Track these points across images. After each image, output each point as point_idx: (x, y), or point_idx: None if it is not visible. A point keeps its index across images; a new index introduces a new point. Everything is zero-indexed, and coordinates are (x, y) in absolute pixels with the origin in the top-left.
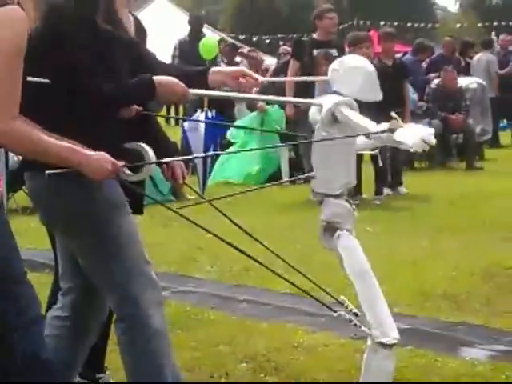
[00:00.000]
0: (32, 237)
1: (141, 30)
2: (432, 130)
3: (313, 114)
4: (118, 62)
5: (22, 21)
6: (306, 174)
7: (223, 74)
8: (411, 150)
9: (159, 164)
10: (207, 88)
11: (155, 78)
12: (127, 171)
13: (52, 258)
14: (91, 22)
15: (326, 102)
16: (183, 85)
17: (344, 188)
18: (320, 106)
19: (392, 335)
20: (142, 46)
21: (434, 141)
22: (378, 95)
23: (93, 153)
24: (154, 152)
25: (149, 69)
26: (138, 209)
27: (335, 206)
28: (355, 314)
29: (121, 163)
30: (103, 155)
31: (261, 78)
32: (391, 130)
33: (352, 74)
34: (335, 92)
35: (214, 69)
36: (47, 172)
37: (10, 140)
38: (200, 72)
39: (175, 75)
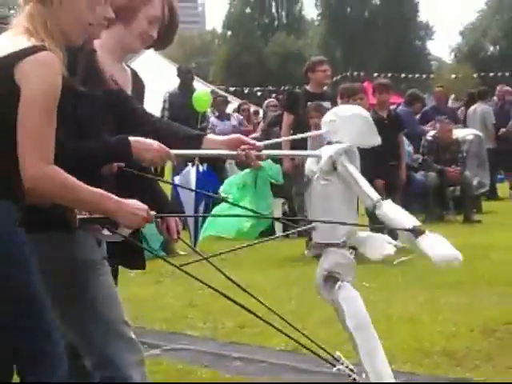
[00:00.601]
0: None
1: (138, 82)
2: (457, 254)
3: (309, 165)
4: (93, 121)
5: (54, 68)
6: (307, 226)
7: (219, 144)
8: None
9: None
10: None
11: (133, 138)
12: (105, 231)
13: None
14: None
15: (326, 151)
16: (163, 148)
17: (347, 236)
18: (318, 157)
19: None
20: (131, 100)
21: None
22: (377, 139)
23: (126, 200)
24: (150, 206)
25: (137, 124)
26: (140, 264)
27: (338, 256)
28: (351, 370)
29: (153, 212)
30: (136, 203)
31: (259, 143)
32: (416, 234)
33: (350, 121)
34: (330, 142)
35: (208, 137)
36: (78, 217)
37: (43, 185)
38: (194, 138)
39: (165, 133)
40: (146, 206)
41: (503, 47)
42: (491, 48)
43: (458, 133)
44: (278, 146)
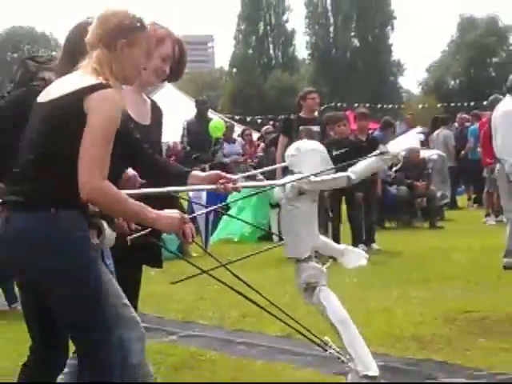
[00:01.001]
0: None
1: (156, 111)
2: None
3: (276, 192)
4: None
5: (116, 103)
6: (279, 243)
7: (201, 179)
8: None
9: None
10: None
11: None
12: (95, 239)
13: None
14: None
15: (289, 180)
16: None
17: (311, 251)
18: (283, 186)
19: (373, 369)
20: (140, 141)
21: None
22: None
23: (162, 211)
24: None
25: (141, 162)
26: (160, 264)
27: (309, 270)
28: (339, 353)
29: (185, 215)
30: (171, 211)
31: (234, 177)
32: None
33: (310, 155)
34: (292, 172)
35: (193, 173)
36: (129, 238)
37: (101, 196)
38: (181, 175)
39: (161, 171)
40: (178, 213)
41: (463, 81)
42: (452, 82)
43: (425, 153)
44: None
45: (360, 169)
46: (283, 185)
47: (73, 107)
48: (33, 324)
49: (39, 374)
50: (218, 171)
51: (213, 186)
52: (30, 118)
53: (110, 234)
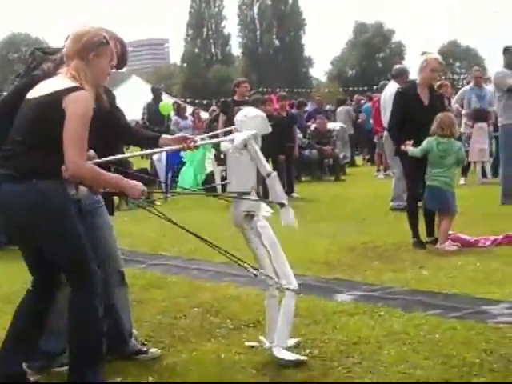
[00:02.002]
0: None
1: (110, 95)
2: (293, 222)
3: (225, 145)
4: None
5: (88, 101)
6: (224, 181)
7: (170, 140)
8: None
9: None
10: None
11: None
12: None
13: None
14: None
15: (239, 135)
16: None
17: (252, 187)
18: (232, 140)
19: (294, 284)
20: (115, 112)
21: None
22: (269, 129)
23: (131, 181)
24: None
25: (120, 132)
26: (110, 211)
27: (250, 201)
28: (265, 275)
29: (143, 187)
30: (135, 182)
31: (196, 137)
32: (281, 206)
33: (254, 119)
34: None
35: (163, 136)
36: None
37: (84, 172)
38: (154, 138)
39: (137, 137)
40: (140, 184)
41: (358, 71)
42: (350, 72)
43: (330, 125)
44: (214, 137)
45: (274, 186)
46: (231, 140)
47: (54, 103)
48: (31, 264)
49: (39, 298)
50: (183, 133)
51: (179, 146)
52: (20, 108)
53: (83, 189)
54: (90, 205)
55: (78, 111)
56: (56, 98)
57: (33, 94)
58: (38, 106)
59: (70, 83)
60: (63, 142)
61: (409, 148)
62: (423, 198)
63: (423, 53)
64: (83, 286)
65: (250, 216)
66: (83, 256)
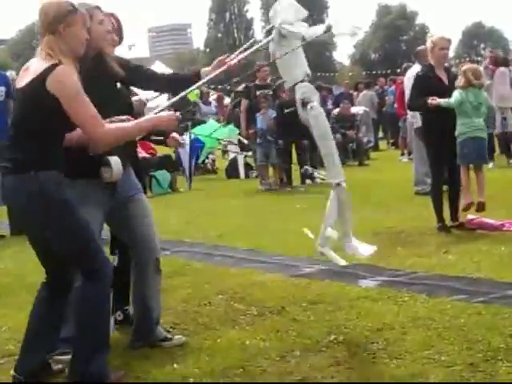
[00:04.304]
0: None
1: (122, 61)
2: None
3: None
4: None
5: (70, 73)
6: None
7: (210, 69)
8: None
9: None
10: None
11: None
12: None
13: None
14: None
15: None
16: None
17: (304, 75)
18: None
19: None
20: (133, 65)
21: None
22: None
23: (154, 115)
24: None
25: (151, 80)
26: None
27: (304, 88)
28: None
29: (177, 113)
30: (162, 115)
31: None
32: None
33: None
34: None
35: (202, 69)
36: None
37: (109, 137)
38: (193, 75)
39: (173, 81)
40: (169, 112)
41: (381, 54)
42: (373, 55)
43: (353, 109)
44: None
45: None
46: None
47: (38, 91)
48: (40, 256)
49: (53, 291)
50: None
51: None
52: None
53: (118, 170)
54: (129, 191)
55: (65, 92)
56: (39, 85)
57: (19, 82)
58: (26, 95)
59: (44, 64)
60: (75, 119)
61: (441, 100)
62: (462, 154)
63: (429, 37)
64: (92, 276)
65: (304, 105)
66: (87, 246)
